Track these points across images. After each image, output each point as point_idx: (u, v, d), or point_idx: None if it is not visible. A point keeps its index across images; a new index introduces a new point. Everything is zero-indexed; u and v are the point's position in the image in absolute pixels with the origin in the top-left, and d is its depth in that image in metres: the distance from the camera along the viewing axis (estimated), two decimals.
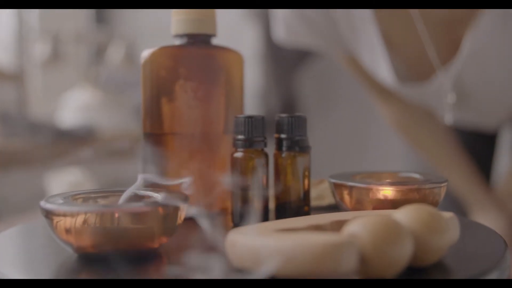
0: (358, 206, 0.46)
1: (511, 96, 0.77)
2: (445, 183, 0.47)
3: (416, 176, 0.49)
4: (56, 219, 0.37)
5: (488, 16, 0.64)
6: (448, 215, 0.38)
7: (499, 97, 0.78)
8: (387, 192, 0.45)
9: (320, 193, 0.56)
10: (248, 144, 0.46)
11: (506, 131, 0.99)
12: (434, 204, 0.46)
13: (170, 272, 0.37)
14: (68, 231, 0.37)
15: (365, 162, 1.78)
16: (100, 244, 0.37)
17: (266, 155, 0.47)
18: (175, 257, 0.40)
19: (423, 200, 0.45)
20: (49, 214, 0.37)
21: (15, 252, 0.42)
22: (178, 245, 0.41)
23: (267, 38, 1.85)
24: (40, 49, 1.77)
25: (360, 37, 0.74)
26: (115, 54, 1.85)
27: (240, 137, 0.47)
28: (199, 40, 0.52)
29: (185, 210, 0.40)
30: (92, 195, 0.42)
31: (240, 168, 0.46)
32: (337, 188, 0.48)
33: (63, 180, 1.20)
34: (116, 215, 0.36)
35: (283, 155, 0.48)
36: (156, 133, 0.51)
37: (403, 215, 0.35)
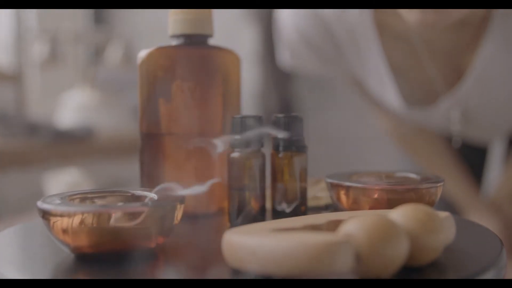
0: (355, 206, 0.46)
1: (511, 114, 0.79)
2: (442, 183, 0.47)
3: (413, 176, 0.49)
4: (53, 219, 0.37)
5: (491, 43, 0.66)
6: (444, 214, 0.38)
7: (501, 116, 0.80)
8: (383, 192, 0.45)
9: (317, 193, 0.56)
10: (245, 144, 0.47)
11: (497, 143, 1.01)
12: (430, 204, 0.46)
13: (166, 272, 0.37)
14: (65, 231, 0.37)
15: (362, 162, 1.79)
16: (96, 244, 0.37)
17: (263, 155, 0.48)
18: (171, 257, 0.40)
19: (419, 200, 0.45)
20: (46, 215, 0.37)
21: (13, 252, 0.42)
22: (175, 245, 0.42)
23: (264, 38, 1.86)
24: (38, 49, 1.77)
25: (366, 63, 0.75)
26: (113, 54, 1.85)
27: (237, 137, 0.47)
28: (196, 41, 0.52)
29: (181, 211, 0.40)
30: (89, 196, 0.42)
31: (237, 168, 0.47)
32: (333, 188, 0.48)
33: (61, 180, 1.20)
34: (113, 215, 0.36)
35: (280, 155, 0.48)
36: (153, 133, 0.51)
37: (399, 215, 0.35)
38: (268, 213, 0.50)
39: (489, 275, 0.36)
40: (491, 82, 0.72)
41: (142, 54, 0.52)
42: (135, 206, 0.37)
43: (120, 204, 0.41)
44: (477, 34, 0.68)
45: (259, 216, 0.47)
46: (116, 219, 0.36)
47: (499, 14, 0.65)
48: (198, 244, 0.42)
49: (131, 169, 0.46)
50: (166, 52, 0.52)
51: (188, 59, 0.51)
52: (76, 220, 0.36)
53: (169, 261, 0.39)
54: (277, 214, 0.49)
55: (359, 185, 0.46)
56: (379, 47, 0.72)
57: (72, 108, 1.78)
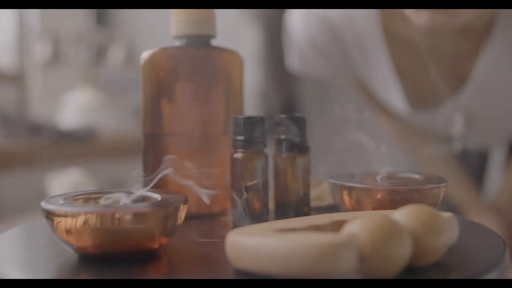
0: (358, 206, 0.46)
1: None
2: (444, 184, 0.47)
3: (415, 176, 0.49)
4: (56, 219, 0.37)
5: (494, 50, 0.67)
6: (447, 215, 0.38)
7: (503, 122, 0.82)
8: (386, 192, 0.45)
9: (320, 193, 0.56)
10: (248, 145, 0.47)
11: (497, 150, 1.02)
12: (433, 204, 0.46)
13: (170, 272, 0.37)
14: (68, 231, 0.37)
15: (365, 163, 1.78)
16: (100, 244, 0.37)
17: (266, 156, 0.48)
18: (175, 257, 0.40)
19: (422, 200, 0.45)
20: (49, 215, 0.37)
21: (15, 252, 0.42)
22: (178, 246, 0.42)
23: (266, 38, 1.86)
24: (40, 50, 1.77)
25: (373, 67, 0.77)
26: (115, 55, 1.85)
27: (240, 138, 0.47)
28: (198, 41, 0.52)
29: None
30: (93, 196, 0.42)
31: (240, 168, 0.47)
32: (336, 188, 0.48)
33: (63, 181, 1.20)
34: (117, 215, 0.36)
35: (283, 155, 0.48)
36: (156, 133, 0.51)
37: (402, 215, 0.35)
38: (271, 214, 0.50)
39: (492, 276, 0.36)
40: (494, 88, 0.73)
41: (145, 55, 0.52)
42: (139, 207, 0.38)
43: (123, 204, 0.41)
44: (481, 41, 0.69)
45: (262, 216, 0.47)
46: (119, 219, 0.36)
47: (503, 21, 0.65)
48: (201, 244, 0.42)
49: (132, 169, 0.46)
50: (169, 53, 0.52)
51: (191, 59, 0.51)
52: (80, 220, 0.36)
53: (173, 262, 0.39)
54: (280, 215, 0.49)
55: (362, 186, 0.46)
56: (386, 52, 0.73)
57: (74, 108, 1.78)
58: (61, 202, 0.39)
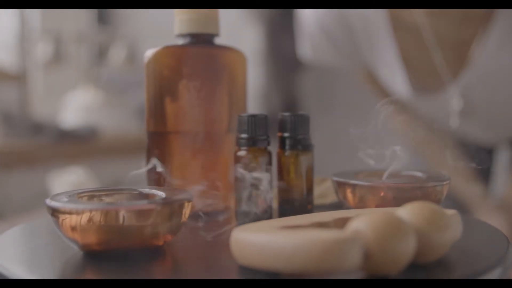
0: (361, 204, 0.47)
1: None
2: (448, 181, 0.47)
3: (419, 174, 0.50)
4: (62, 217, 0.37)
5: (496, 35, 0.68)
6: (450, 212, 0.38)
7: (503, 111, 0.83)
8: (390, 190, 0.45)
9: (323, 191, 0.56)
10: (251, 142, 0.47)
11: (503, 150, 1.03)
12: (436, 202, 0.46)
13: (175, 270, 0.37)
14: (73, 228, 0.37)
15: (367, 161, 1.78)
16: (105, 241, 0.37)
17: (269, 154, 0.48)
18: (179, 254, 0.40)
19: (425, 198, 0.45)
20: (55, 212, 0.37)
21: (19, 251, 0.42)
22: (183, 243, 0.42)
23: (268, 37, 1.86)
24: (42, 50, 1.77)
25: (379, 53, 0.81)
26: (117, 54, 1.85)
27: (243, 135, 0.47)
28: (202, 40, 0.52)
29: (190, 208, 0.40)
30: (97, 193, 0.43)
31: (243, 166, 0.47)
32: (340, 186, 0.48)
33: (65, 180, 1.20)
34: (121, 213, 0.36)
35: (286, 153, 0.49)
36: (159, 131, 0.52)
37: (406, 212, 0.36)
38: (275, 211, 0.50)
39: (496, 274, 0.36)
40: (494, 74, 0.74)
41: (149, 53, 0.52)
42: (143, 204, 0.38)
43: (128, 201, 0.41)
44: (483, 26, 0.70)
45: (266, 214, 0.47)
46: (124, 216, 0.36)
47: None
48: (206, 242, 0.42)
49: (134, 168, 0.47)
50: (173, 51, 0.52)
51: (195, 58, 0.52)
52: (85, 217, 0.36)
53: (177, 259, 0.39)
54: (284, 212, 0.49)
55: (366, 184, 0.46)
56: (391, 37, 0.77)
57: (76, 108, 1.78)
58: (66, 199, 0.39)
